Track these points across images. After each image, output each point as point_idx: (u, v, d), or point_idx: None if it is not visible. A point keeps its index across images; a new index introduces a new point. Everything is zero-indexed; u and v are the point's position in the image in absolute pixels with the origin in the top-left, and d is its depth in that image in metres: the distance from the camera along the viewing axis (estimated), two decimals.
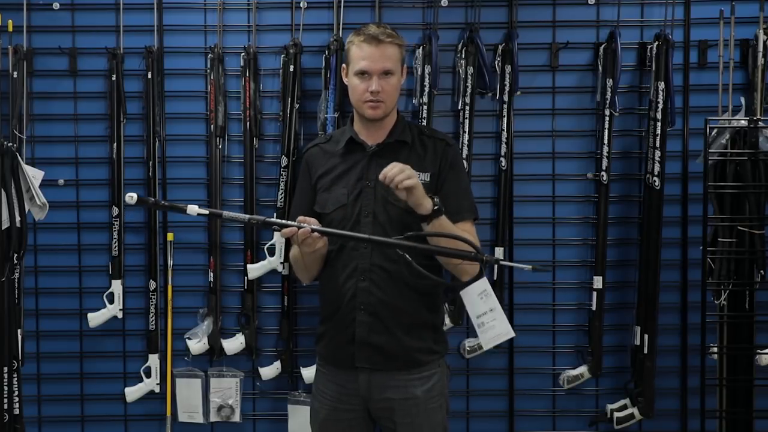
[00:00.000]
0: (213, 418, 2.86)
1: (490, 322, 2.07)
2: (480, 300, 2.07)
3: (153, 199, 2.07)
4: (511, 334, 2.09)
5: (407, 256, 2.03)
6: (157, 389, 2.86)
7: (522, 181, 2.85)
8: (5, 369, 2.47)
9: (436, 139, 2.27)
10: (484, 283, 2.07)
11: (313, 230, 2.04)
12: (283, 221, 2.10)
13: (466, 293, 2.10)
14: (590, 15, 2.85)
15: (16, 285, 2.55)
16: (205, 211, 2.03)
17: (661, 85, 2.68)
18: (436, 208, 2.05)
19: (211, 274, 2.83)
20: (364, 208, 2.17)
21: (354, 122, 2.28)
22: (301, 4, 2.83)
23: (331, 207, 2.21)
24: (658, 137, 2.69)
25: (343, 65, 2.26)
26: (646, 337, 2.73)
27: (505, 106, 2.80)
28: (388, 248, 2.10)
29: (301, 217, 2.09)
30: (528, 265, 2.06)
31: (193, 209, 2.01)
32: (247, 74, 2.79)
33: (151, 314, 2.84)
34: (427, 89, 2.75)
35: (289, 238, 2.10)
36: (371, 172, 2.19)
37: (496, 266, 2.78)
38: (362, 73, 2.16)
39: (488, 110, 2.86)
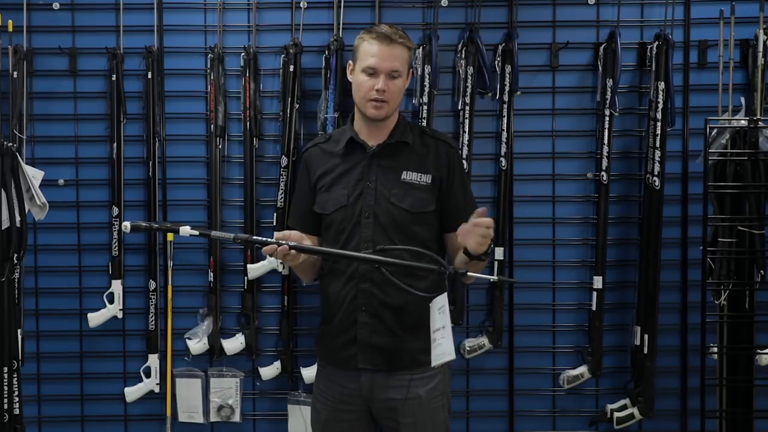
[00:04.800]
0: (213, 418, 2.86)
1: (439, 339, 2.00)
2: (438, 315, 2.02)
3: (146, 224, 2.24)
4: (453, 356, 1.99)
5: (384, 270, 2.04)
6: (157, 389, 2.86)
7: (522, 181, 2.85)
8: (5, 369, 2.48)
9: (438, 140, 2.27)
10: (443, 299, 2.03)
11: (290, 247, 2.05)
12: (264, 239, 2.11)
13: (431, 306, 2.06)
14: (590, 15, 2.85)
15: (16, 285, 2.56)
16: (196, 232, 2.16)
17: (661, 85, 2.68)
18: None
19: (211, 274, 2.83)
20: (365, 209, 2.17)
21: (354, 122, 2.27)
22: (301, 4, 2.83)
23: (331, 208, 2.21)
24: (658, 137, 2.69)
25: (349, 62, 2.25)
26: (646, 337, 2.73)
27: (505, 106, 2.80)
28: (363, 263, 2.11)
29: (278, 234, 2.11)
30: (494, 276, 2.11)
31: (185, 230, 2.13)
32: (247, 74, 2.79)
33: (151, 314, 2.84)
34: (427, 89, 2.75)
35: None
36: (372, 173, 2.19)
37: (496, 265, 2.77)
38: (370, 71, 2.15)
39: (488, 110, 2.86)
